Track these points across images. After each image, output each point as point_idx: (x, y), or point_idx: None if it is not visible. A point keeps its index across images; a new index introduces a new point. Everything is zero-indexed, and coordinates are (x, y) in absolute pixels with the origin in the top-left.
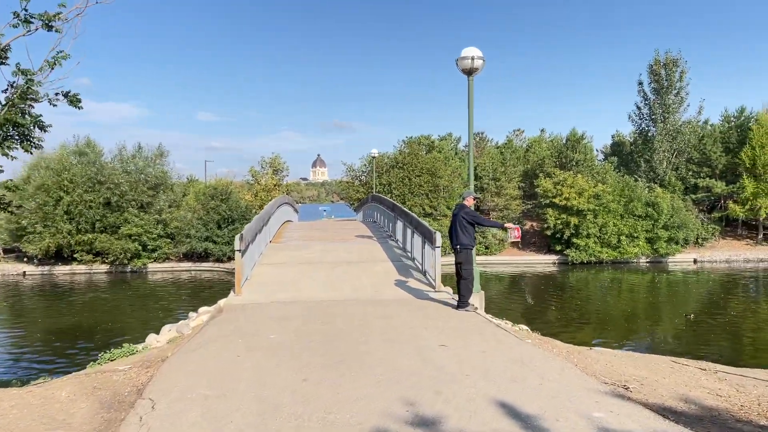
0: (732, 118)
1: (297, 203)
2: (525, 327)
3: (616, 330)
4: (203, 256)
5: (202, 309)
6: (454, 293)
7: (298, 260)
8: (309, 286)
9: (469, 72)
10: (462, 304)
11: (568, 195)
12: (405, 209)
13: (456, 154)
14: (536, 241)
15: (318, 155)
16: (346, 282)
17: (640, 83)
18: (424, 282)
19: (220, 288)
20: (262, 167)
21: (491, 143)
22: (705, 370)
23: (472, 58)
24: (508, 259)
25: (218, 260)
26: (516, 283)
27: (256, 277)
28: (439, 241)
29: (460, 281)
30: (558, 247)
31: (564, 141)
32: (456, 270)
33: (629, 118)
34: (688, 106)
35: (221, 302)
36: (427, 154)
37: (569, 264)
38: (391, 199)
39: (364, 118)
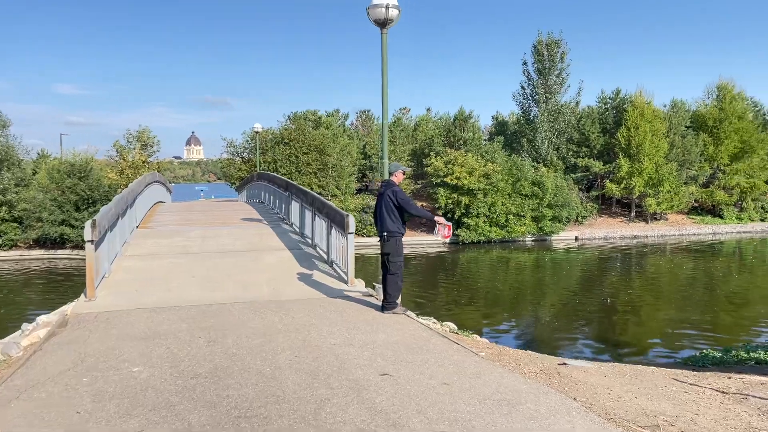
0: (608, 100)
1: (170, 183)
2: (450, 324)
3: (506, 310)
4: (59, 243)
5: (42, 318)
6: (367, 287)
7: (172, 250)
8: (186, 284)
9: (383, 23)
10: (389, 304)
11: (459, 174)
12: (304, 188)
13: (344, 131)
14: (426, 221)
15: (192, 132)
16: (235, 277)
17: (525, 63)
18: (333, 275)
19: (82, 279)
20: (129, 142)
21: (378, 122)
22: (725, 393)
23: (387, 7)
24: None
25: (78, 246)
26: (405, 265)
27: (116, 274)
28: (352, 226)
29: (387, 276)
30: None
31: (452, 120)
32: (382, 262)
33: (513, 98)
34: (568, 87)
35: (67, 309)
36: (315, 130)
37: (459, 244)
38: (284, 177)
39: (242, 94)
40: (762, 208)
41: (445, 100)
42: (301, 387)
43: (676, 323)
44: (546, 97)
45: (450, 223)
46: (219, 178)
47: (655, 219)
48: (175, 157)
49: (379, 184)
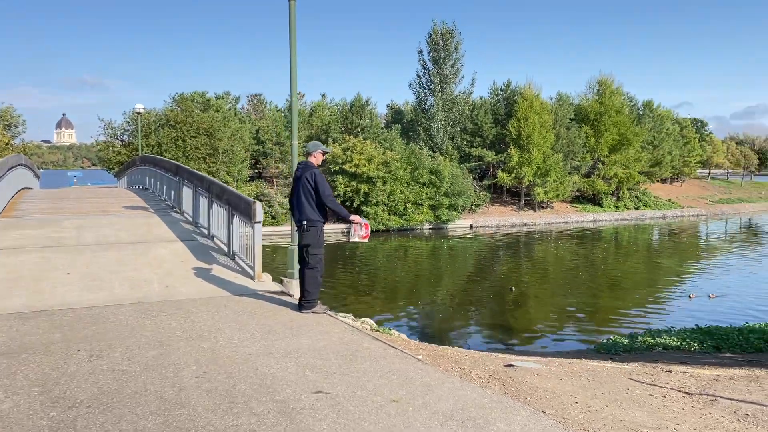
0: (500, 91)
1: (39, 169)
2: (370, 321)
3: (407, 299)
4: None
5: None
6: (274, 282)
7: (43, 243)
8: (61, 283)
9: None
10: (308, 303)
11: (358, 162)
12: (199, 173)
13: (236, 114)
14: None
15: (63, 115)
16: (120, 274)
17: (420, 52)
18: (236, 270)
19: None
20: None
21: (270, 106)
22: (690, 394)
23: None
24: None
25: None
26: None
27: None
28: (260, 214)
29: (306, 271)
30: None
31: (349, 106)
32: (300, 255)
33: (410, 86)
34: (462, 77)
35: None
36: (203, 113)
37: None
38: (173, 161)
39: (120, 75)
40: (636, 197)
41: (340, 87)
42: (216, 414)
43: (573, 308)
44: (441, 86)
45: (367, 222)
46: (95, 164)
47: (542, 207)
48: (44, 141)
49: (297, 165)
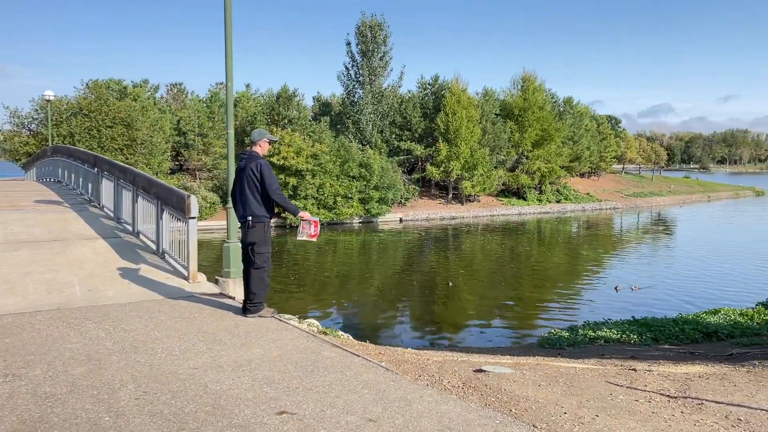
0: (428, 85)
1: None
2: (315, 322)
3: (337, 295)
4: None
5: None
6: (209, 282)
7: None
8: None
9: None
10: (254, 306)
11: (286, 154)
12: (122, 164)
13: (155, 104)
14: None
15: None
16: (35, 276)
17: (348, 44)
18: (167, 269)
19: None
20: None
21: (192, 96)
22: (673, 397)
23: None
24: (221, 224)
25: None
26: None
27: None
28: (195, 209)
29: (252, 271)
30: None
31: (275, 97)
32: (244, 254)
33: (338, 78)
34: (391, 70)
35: None
36: (120, 101)
37: (287, 228)
38: (91, 152)
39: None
40: (557, 191)
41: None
42: None
43: (503, 300)
44: (370, 79)
45: (317, 219)
46: None
47: (469, 201)
48: None
49: (240, 155)
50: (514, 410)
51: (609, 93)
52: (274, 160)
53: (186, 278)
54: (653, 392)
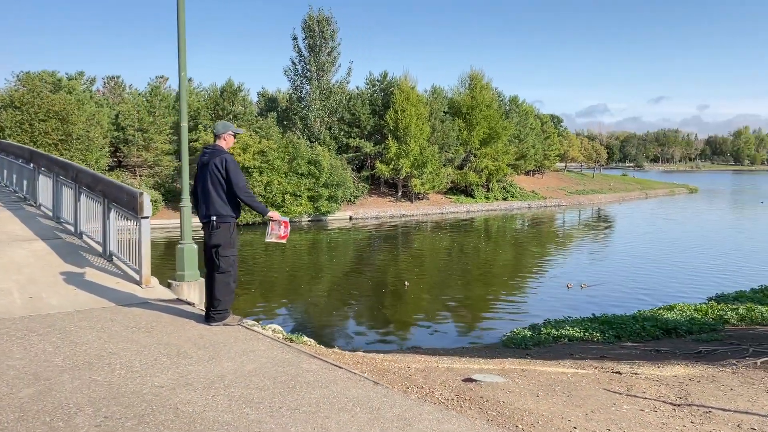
0: (377, 82)
1: None
2: (279, 328)
3: (284, 294)
4: None
5: None
6: (163, 285)
7: None
8: None
9: None
10: (218, 314)
11: (231, 150)
12: (63, 160)
13: (91, 97)
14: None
15: None
16: None
17: (295, 38)
18: (116, 273)
19: None
20: None
21: (130, 89)
22: (678, 405)
23: None
24: (163, 222)
25: None
26: (170, 249)
27: None
28: (148, 208)
29: (216, 276)
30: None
31: (219, 92)
32: (208, 257)
33: (285, 73)
34: (339, 66)
35: None
36: (54, 94)
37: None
38: (26, 146)
39: None
40: (504, 188)
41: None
42: None
43: (455, 298)
44: (318, 74)
45: (287, 219)
46: None
47: (419, 199)
48: None
49: (203, 149)
50: (521, 426)
51: (549, 93)
52: None
53: (138, 283)
54: (655, 400)
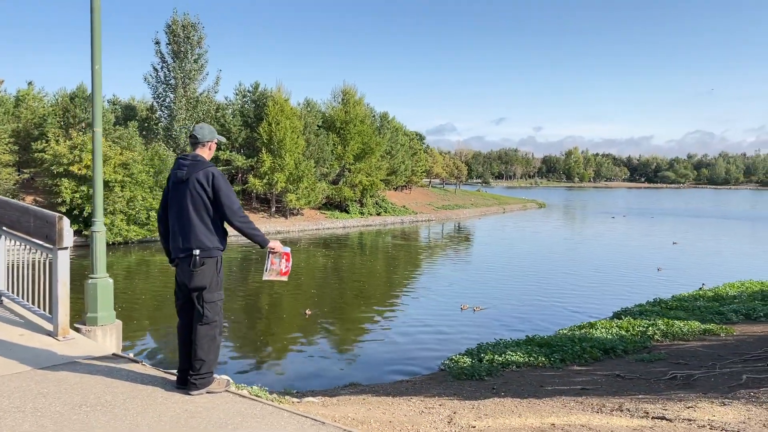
0: (248, 93)
1: None
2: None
3: (146, 320)
4: None
5: None
6: (86, 335)
7: None
8: None
9: None
10: (201, 379)
11: (89, 163)
12: None
13: None
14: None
15: None
16: None
17: (157, 43)
18: (16, 322)
19: None
20: None
21: (3, 92)
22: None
23: None
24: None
25: None
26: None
27: None
28: (68, 236)
29: (198, 327)
30: (76, 227)
31: (70, 98)
32: (181, 303)
33: (145, 80)
34: (207, 75)
35: None
36: None
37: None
38: None
39: None
40: (377, 203)
41: (50, 76)
42: None
43: (351, 320)
44: (184, 82)
45: (288, 250)
46: None
47: (293, 214)
48: None
49: (176, 161)
50: None
51: (402, 111)
52: (74, 169)
53: (51, 334)
54: None
